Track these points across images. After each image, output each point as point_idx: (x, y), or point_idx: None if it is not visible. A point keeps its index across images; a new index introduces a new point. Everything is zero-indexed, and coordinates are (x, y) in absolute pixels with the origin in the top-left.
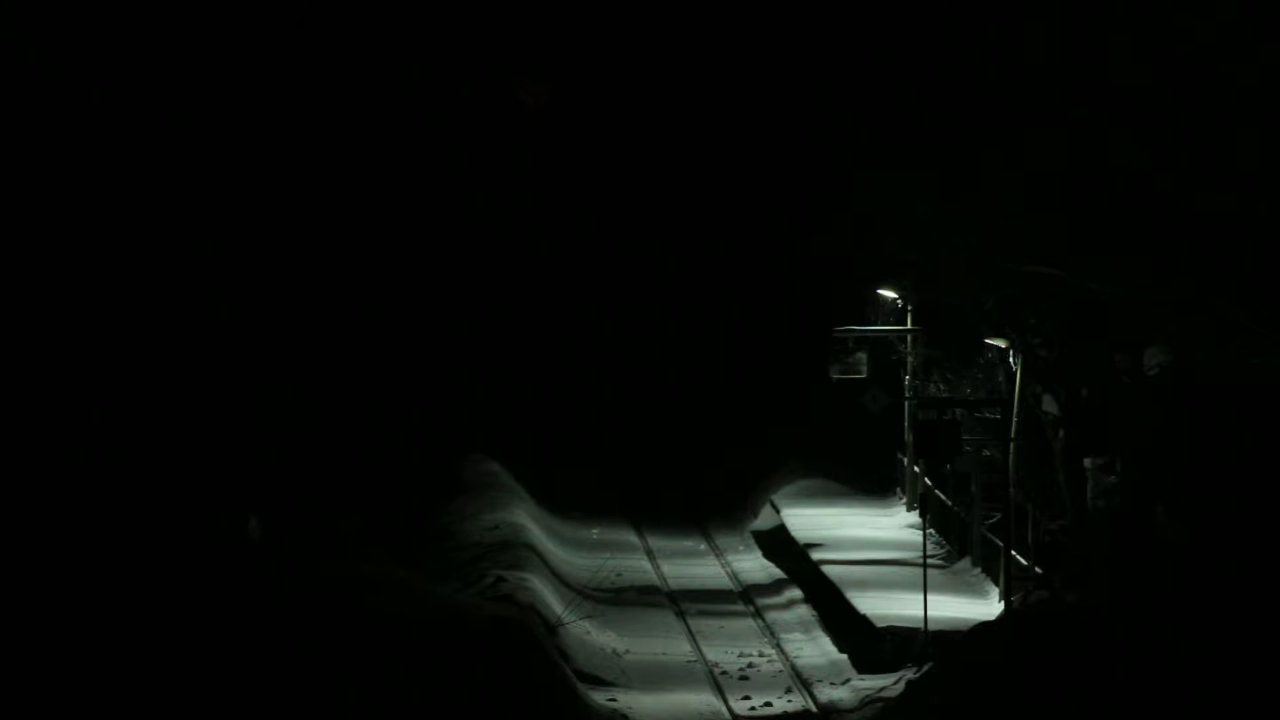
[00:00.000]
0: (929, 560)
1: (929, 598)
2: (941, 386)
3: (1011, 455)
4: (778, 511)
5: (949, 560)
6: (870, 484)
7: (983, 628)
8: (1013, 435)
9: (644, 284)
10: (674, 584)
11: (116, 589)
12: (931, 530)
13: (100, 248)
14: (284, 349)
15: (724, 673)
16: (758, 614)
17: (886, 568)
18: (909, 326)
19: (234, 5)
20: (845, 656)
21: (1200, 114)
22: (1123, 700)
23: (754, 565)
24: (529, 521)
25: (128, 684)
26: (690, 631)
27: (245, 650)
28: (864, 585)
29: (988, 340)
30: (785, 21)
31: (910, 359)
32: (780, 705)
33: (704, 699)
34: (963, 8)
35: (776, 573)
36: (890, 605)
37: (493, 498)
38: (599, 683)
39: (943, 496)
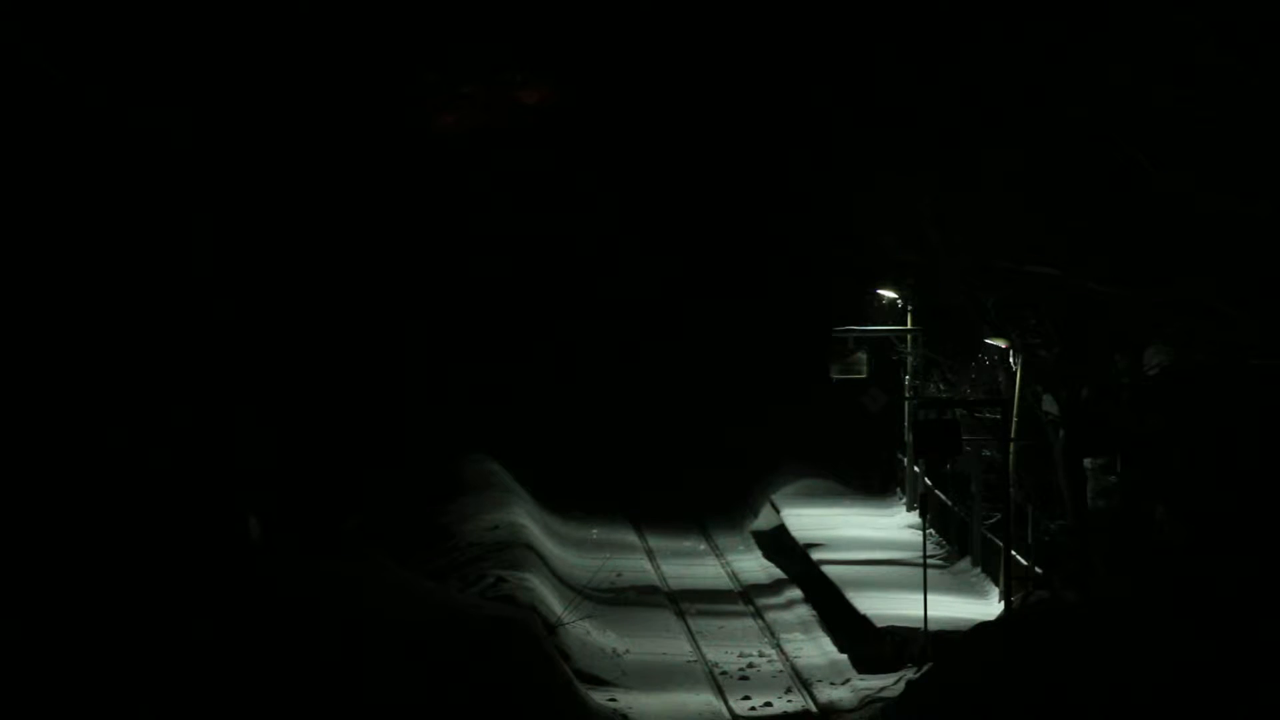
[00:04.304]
0: (929, 560)
1: (929, 598)
2: (941, 386)
3: (1011, 455)
4: (778, 511)
5: (949, 560)
6: (870, 484)
7: (983, 628)
8: (1013, 435)
9: (644, 284)
10: (674, 584)
11: (117, 589)
12: (931, 530)
13: (100, 248)
14: (284, 349)
15: (724, 673)
16: (758, 614)
17: (886, 568)
18: (909, 326)
19: (232, 5)
20: (845, 656)
21: (1200, 114)
22: (1122, 700)
23: (754, 565)
24: (529, 521)
25: (128, 683)
26: (690, 631)
27: (245, 650)
28: (864, 585)
29: (988, 340)
30: (786, 22)
31: (910, 359)
32: (780, 705)
33: (704, 699)
34: (963, 8)
35: (776, 573)
36: (890, 605)
37: (493, 498)
38: (599, 683)
39: (943, 496)
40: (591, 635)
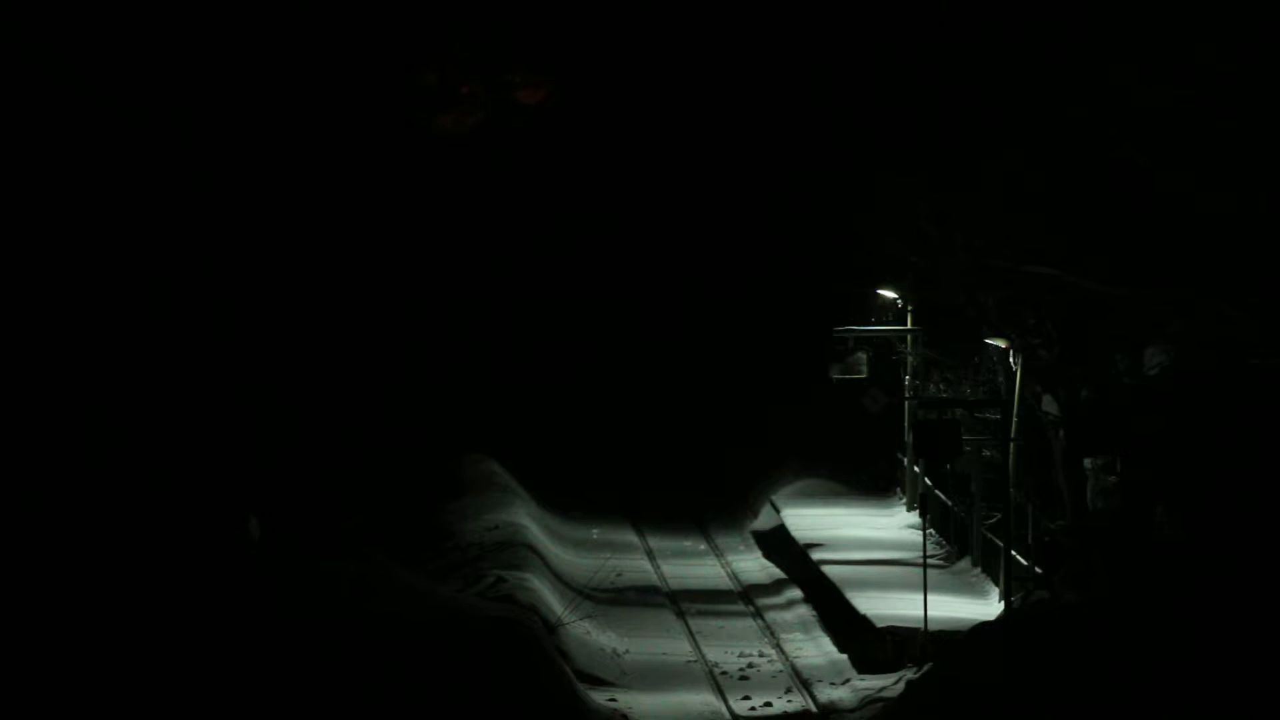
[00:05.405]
0: (929, 560)
1: (929, 598)
2: (941, 386)
3: (1011, 455)
4: (778, 511)
5: (949, 560)
6: (870, 484)
7: (983, 628)
8: (1013, 435)
9: (644, 283)
10: (674, 584)
11: (117, 590)
12: (931, 530)
13: (99, 248)
14: (283, 349)
15: (724, 673)
16: (758, 614)
17: (886, 568)
18: (909, 326)
19: (232, 4)
20: (845, 656)
21: (1200, 114)
22: (1122, 701)
23: (754, 565)
24: (529, 521)
25: (127, 684)
26: (690, 631)
27: (245, 651)
28: (864, 585)
29: (988, 340)
30: (786, 22)
31: (910, 359)
32: (780, 705)
33: (704, 699)
34: (963, 8)
35: (776, 573)
36: (890, 605)
37: (493, 498)
38: (599, 683)
39: (943, 496)
40: (591, 635)
